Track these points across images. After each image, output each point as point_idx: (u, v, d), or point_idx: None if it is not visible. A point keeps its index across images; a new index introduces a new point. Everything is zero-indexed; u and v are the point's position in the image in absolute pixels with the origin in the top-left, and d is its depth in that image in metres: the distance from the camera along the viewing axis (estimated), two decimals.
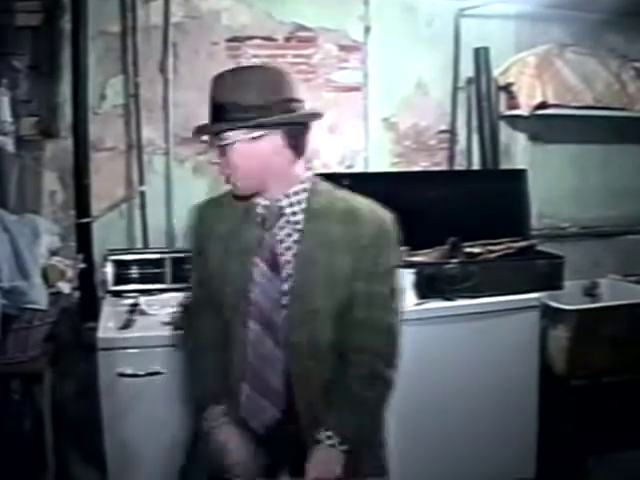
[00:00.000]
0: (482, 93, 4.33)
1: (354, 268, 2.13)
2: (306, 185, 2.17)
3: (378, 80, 4.23)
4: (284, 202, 2.15)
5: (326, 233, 2.13)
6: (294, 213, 2.16)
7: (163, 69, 3.87)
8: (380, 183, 3.90)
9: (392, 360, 2.20)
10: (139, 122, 3.87)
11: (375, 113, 4.28)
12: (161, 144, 3.94)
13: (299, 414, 2.17)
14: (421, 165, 4.38)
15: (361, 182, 3.78)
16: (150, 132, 3.92)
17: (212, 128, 2.09)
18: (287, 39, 4.07)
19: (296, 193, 2.16)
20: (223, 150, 2.09)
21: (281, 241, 2.16)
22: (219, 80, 2.08)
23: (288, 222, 2.16)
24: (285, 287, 2.14)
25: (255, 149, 2.07)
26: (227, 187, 2.19)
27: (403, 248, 3.70)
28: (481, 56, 4.32)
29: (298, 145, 2.12)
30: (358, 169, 4.24)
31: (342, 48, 4.18)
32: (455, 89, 4.42)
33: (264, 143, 2.07)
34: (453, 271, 3.59)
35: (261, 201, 2.17)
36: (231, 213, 2.21)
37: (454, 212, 3.80)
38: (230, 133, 2.05)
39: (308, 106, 2.14)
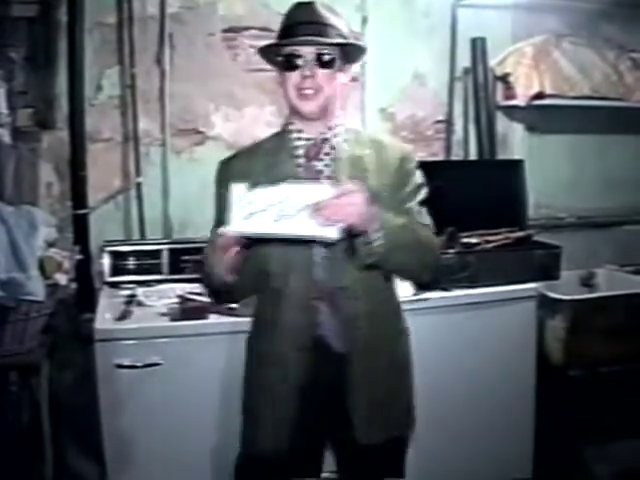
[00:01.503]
0: (479, 83, 4.34)
1: (386, 189, 2.32)
2: (343, 119, 2.39)
3: (375, 70, 4.21)
4: (328, 134, 2.35)
5: (360, 159, 2.33)
6: (335, 144, 2.34)
7: (159, 60, 3.86)
8: None
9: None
10: (135, 113, 3.87)
11: (372, 104, 4.27)
12: (158, 135, 3.93)
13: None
14: (418, 155, 4.22)
15: None
16: (146, 123, 3.91)
17: (320, 39, 2.24)
18: None
19: (337, 125, 2.36)
20: (314, 68, 2.26)
21: (320, 171, 2.32)
22: (305, 5, 2.30)
23: (327, 153, 2.34)
24: None
25: (338, 74, 2.31)
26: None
27: None
28: (478, 46, 4.32)
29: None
30: None
31: None
32: (452, 79, 4.41)
33: (344, 71, 2.35)
34: (450, 261, 3.59)
35: (302, 134, 2.35)
36: (261, 155, 2.38)
37: (451, 202, 3.79)
38: (331, 51, 2.27)
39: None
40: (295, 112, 2.33)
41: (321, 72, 2.25)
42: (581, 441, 3.88)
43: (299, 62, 2.25)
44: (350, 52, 2.33)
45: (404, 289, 3.46)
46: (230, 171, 2.37)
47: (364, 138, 2.40)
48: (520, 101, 4.32)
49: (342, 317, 2.31)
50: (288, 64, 2.27)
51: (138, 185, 3.90)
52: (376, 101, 4.28)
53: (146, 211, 3.92)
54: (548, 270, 3.81)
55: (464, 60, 4.37)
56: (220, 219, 2.23)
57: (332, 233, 2.03)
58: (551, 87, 4.31)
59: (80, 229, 3.69)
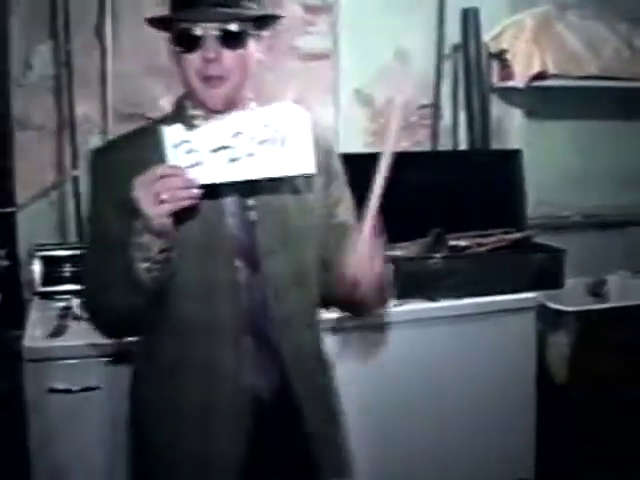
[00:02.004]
0: (471, 62, 4.36)
1: (316, 199, 2.26)
2: (255, 105, 2.21)
3: (350, 47, 4.24)
4: None
5: None
6: None
7: (100, 34, 3.85)
8: (352, 166, 3.90)
9: None
10: (72, 96, 3.85)
11: (347, 85, 4.29)
12: (98, 122, 3.92)
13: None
14: (400, 145, 4.35)
15: None
16: (85, 108, 3.90)
17: (225, 12, 2.03)
18: None
19: None
20: (220, 48, 2.04)
21: None
22: None
23: None
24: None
25: (252, 51, 2.12)
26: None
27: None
28: (470, 18, 4.34)
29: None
30: None
31: (308, 9, 4.18)
32: (439, 57, 4.44)
33: (254, 46, 2.13)
34: (437, 267, 3.63)
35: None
36: (157, 143, 1.94)
37: (438, 199, 3.83)
38: (241, 25, 2.06)
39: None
40: (196, 98, 2.14)
41: (229, 54, 2.05)
42: (584, 472, 3.91)
43: (200, 41, 2.03)
44: (265, 19, 2.16)
45: None
46: (115, 164, 2.12)
47: None
48: (518, 82, 4.35)
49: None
50: (185, 43, 2.06)
51: (75, 179, 3.88)
52: (351, 82, 4.30)
53: (84, 209, 3.90)
54: (550, 277, 3.85)
55: (454, 35, 4.40)
56: (105, 237, 2.07)
57: (309, 167, 1.90)
58: (554, 66, 4.35)
59: (6, 230, 3.67)
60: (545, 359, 3.91)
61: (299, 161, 1.88)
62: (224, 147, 1.86)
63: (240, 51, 2.06)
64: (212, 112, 2.11)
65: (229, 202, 2.11)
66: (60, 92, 3.86)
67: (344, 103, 4.29)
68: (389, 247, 3.69)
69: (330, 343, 3.15)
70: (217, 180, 1.88)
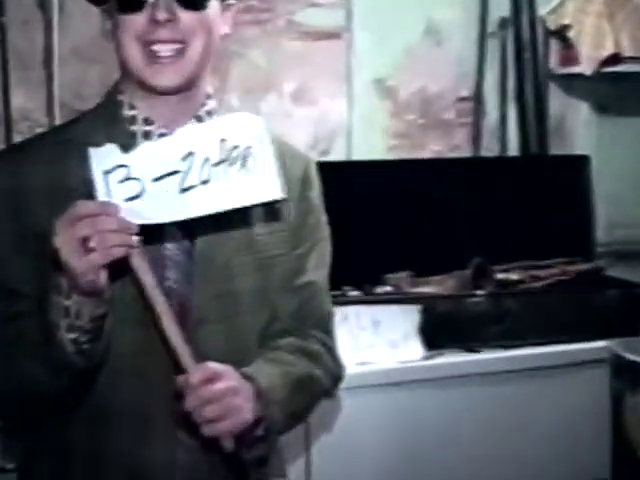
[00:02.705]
0: (523, 42, 4.37)
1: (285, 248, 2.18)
2: (217, 102, 2.12)
3: (368, 23, 4.23)
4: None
5: None
6: None
7: (43, 5, 3.85)
8: (370, 177, 3.94)
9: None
10: (7, 84, 3.84)
11: (363, 72, 4.28)
12: (41, 118, 3.91)
13: None
14: (432, 150, 4.37)
15: (342, 175, 3.81)
16: (25, 100, 3.89)
17: None
18: None
19: (210, 113, 2.07)
20: (174, 6, 1.90)
21: None
22: None
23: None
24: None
25: (214, 20, 1.99)
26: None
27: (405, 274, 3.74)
28: None
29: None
30: (337, 156, 4.23)
31: None
32: (483, 36, 4.42)
33: (223, 14, 2.04)
34: (479, 308, 3.60)
35: (151, 127, 2.02)
36: (76, 155, 1.84)
37: (480, 219, 3.81)
38: None
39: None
40: (137, 82, 2.00)
41: (187, 15, 1.92)
42: None
43: (145, 3, 1.90)
44: None
45: (411, 349, 3.45)
46: (20, 181, 1.98)
47: None
48: (585, 68, 4.33)
49: None
50: (128, 4, 1.92)
51: None
52: (369, 69, 4.29)
53: None
54: (627, 320, 3.83)
55: (501, 7, 4.39)
56: (3, 283, 1.95)
57: (276, 191, 1.74)
58: (632, 46, 4.34)
59: None
60: (622, 426, 3.85)
61: (263, 185, 1.75)
62: (172, 173, 1.74)
63: (202, 13, 1.94)
64: (159, 100, 1.99)
65: (172, 248, 2.00)
66: None
67: (360, 95, 4.28)
68: (417, 282, 3.70)
69: (347, 404, 3.17)
70: (164, 219, 1.75)
